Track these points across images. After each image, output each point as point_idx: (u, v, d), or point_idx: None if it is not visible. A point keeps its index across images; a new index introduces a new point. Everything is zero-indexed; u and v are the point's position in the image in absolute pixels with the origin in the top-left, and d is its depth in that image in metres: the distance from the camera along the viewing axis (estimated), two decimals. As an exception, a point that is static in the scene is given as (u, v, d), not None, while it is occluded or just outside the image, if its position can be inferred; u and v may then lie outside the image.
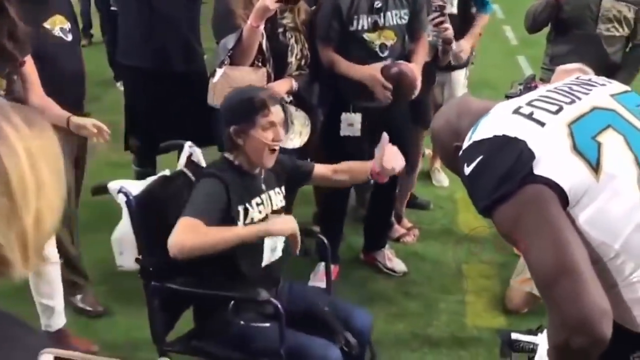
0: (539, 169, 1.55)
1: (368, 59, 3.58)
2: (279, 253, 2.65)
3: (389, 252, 4.12)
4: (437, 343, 3.45)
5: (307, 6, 3.64)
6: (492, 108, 1.77)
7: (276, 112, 2.56)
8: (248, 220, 2.54)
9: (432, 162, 5.29)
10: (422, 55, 3.77)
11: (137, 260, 2.60)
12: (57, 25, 3.30)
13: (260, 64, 3.43)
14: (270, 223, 2.46)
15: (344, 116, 3.71)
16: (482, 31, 4.42)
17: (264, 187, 2.64)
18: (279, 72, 3.49)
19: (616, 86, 1.82)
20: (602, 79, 1.85)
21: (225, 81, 3.34)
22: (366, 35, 3.60)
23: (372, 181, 4.19)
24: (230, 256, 2.45)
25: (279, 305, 2.41)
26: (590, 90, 1.75)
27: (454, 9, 4.18)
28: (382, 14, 3.57)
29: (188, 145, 2.86)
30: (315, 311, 2.62)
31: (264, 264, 2.59)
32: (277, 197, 2.69)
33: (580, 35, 4.10)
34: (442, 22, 3.99)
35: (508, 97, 3.50)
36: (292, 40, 3.51)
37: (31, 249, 1.05)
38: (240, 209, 2.52)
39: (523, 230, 1.58)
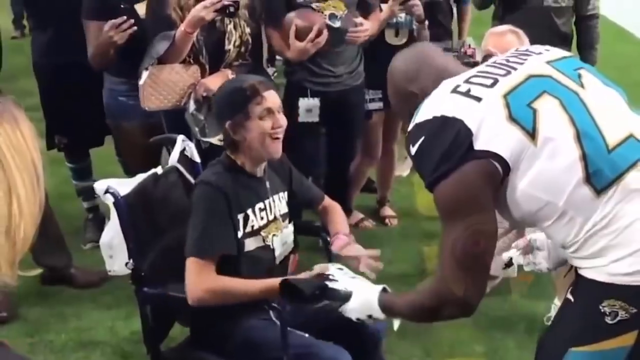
0: (478, 144, 1.65)
1: None
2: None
3: (347, 238, 4.03)
4: (401, 329, 3.35)
5: None
6: (450, 68, 1.88)
7: (271, 98, 2.36)
8: (248, 229, 2.35)
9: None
10: (372, 19, 3.72)
11: (127, 264, 2.42)
12: None
13: (191, 60, 3.22)
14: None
15: (302, 102, 3.61)
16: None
17: (269, 190, 2.46)
18: (216, 62, 3.27)
19: (554, 53, 1.89)
20: (539, 48, 1.91)
21: (152, 81, 3.17)
22: (315, 5, 3.53)
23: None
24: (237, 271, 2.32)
25: (279, 307, 2.27)
26: (526, 59, 1.83)
27: None
28: None
29: (181, 139, 2.72)
30: (324, 313, 2.42)
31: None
32: (281, 202, 2.50)
33: (529, 9, 4.11)
34: (407, 0, 3.80)
35: None
36: (231, 27, 3.26)
37: (1, 259, 0.93)
38: (240, 217, 2.33)
39: (449, 210, 1.71)
